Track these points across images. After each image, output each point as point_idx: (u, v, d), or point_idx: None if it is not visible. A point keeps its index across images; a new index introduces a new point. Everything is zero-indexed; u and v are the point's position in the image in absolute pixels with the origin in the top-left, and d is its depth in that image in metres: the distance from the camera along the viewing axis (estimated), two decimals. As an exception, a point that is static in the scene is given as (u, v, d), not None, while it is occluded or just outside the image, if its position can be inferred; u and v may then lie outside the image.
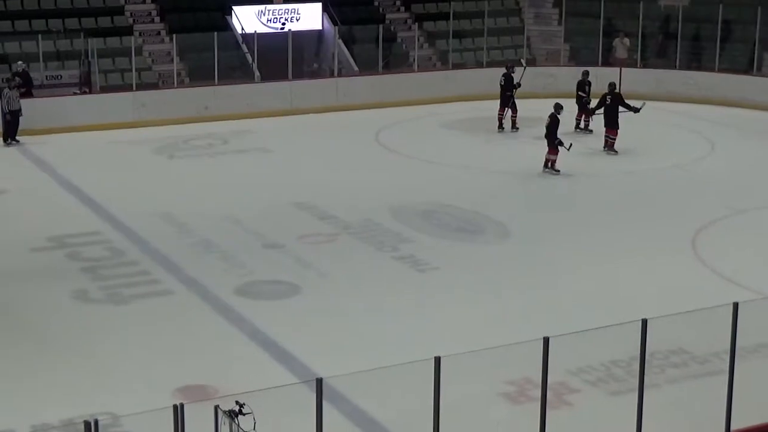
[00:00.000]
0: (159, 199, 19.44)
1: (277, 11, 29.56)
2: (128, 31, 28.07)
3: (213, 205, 19.09)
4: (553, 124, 21.10)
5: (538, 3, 32.88)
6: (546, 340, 8.84)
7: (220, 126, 25.47)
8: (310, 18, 30.03)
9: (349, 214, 18.40)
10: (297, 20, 29.69)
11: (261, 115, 26.45)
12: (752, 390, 10.87)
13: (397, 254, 16.46)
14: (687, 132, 25.48)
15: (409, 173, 21.69)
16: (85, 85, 26.39)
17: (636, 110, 23.18)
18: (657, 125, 25.04)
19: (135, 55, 26.25)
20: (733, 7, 29.42)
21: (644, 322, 9.25)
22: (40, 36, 26.18)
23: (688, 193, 20.16)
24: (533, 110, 25.12)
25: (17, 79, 24.40)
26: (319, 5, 30.15)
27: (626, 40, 29.89)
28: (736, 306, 9.59)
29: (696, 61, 30.03)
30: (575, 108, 24.80)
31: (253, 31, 27.98)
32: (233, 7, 29.13)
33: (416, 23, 31.00)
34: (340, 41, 29.40)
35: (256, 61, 27.62)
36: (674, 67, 29.37)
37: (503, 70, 25.53)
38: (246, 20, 28.99)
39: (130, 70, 26.23)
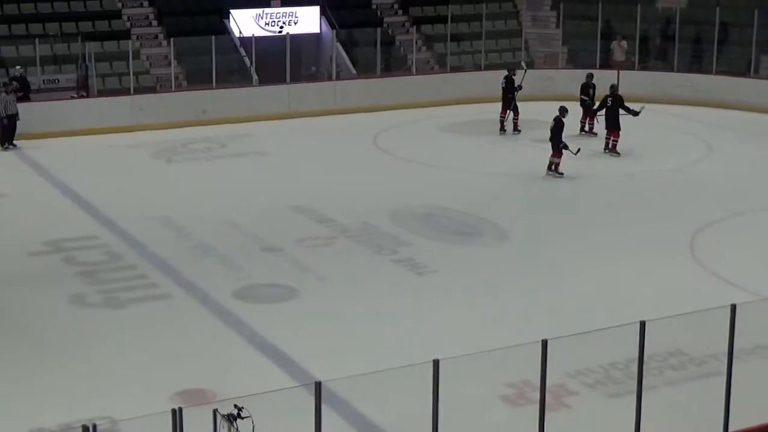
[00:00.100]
0: (157, 203, 19.42)
1: (275, 15, 29.56)
2: (126, 34, 28.07)
3: (211, 208, 19.08)
4: (557, 127, 21.12)
5: (535, 6, 32.88)
6: (544, 343, 8.84)
7: (218, 129, 25.46)
8: (308, 21, 30.04)
9: (347, 218, 18.39)
10: (295, 23, 29.69)
11: (259, 118, 26.43)
12: (750, 391, 10.87)
13: (396, 257, 16.46)
14: (684, 134, 25.49)
15: (407, 176, 21.69)
16: (82, 89, 26.38)
17: (635, 113, 23.21)
18: (654, 128, 25.05)
19: (132, 59, 26.21)
20: (730, 9, 29.47)
21: (642, 324, 9.25)
22: (37, 40, 26.15)
23: (685, 196, 20.17)
24: (532, 113, 25.21)
25: (14, 83, 24.39)
26: (317, 8, 30.15)
27: (624, 43, 29.89)
28: (733, 308, 9.60)
29: (693, 63, 30.05)
30: (580, 111, 24.81)
31: (251, 35, 27.96)
32: (231, 11, 29.13)
33: (414, 26, 31.01)
34: (338, 44, 29.41)
35: (254, 64, 27.60)
36: (672, 70, 29.38)
37: (502, 73, 25.57)
38: (244, 24, 28.99)
39: (128, 74, 26.20)
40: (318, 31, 30.24)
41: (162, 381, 11.93)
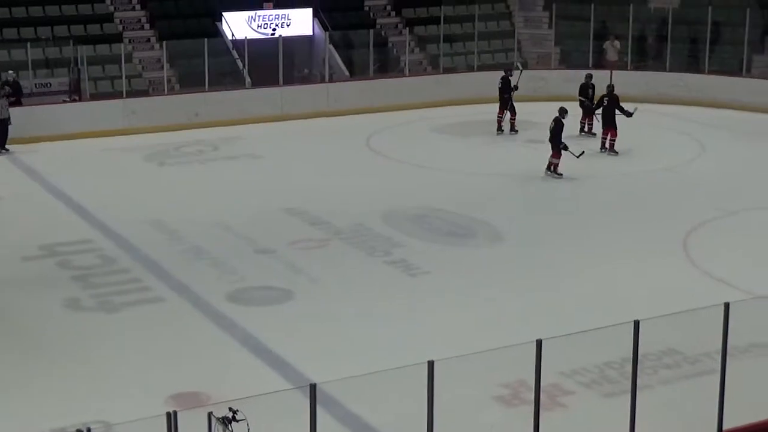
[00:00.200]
0: (150, 207, 19.40)
1: (267, 17, 29.55)
2: (118, 38, 28.02)
3: (204, 211, 19.06)
4: (557, 127, 21.12)
5: (528, 6, 32.92)
6: (539, 343, 8.85)
7: (211, 132, 25.43)
8: (301, 23, 30.03)
9: (340, 220, 18.38)
10: (287, 26, 29.68)
11: (252, 121, 26.41)
12: (744, 389, 10.89)
13: (389, 259, 16.46)
14: (677, 134, 25.53)
15: (400, 178, 21.69)
16: (74, 93, 26.33)
17: (629, 114, 23.30)
18: (648, 127, 25.08)
19: (125, 62, 26.18)
20: (722, 9, 29.54)
21: (636, 324, 9.26)
22: (29, 44, 26.13)
23: (678, 195, 20.20)
24: (525, 113, 25.26)
25: (7, 88, 24.35)
26: (310, 11, 30.14)
27: (617, 43, 29.94)
28: (727, 306, 9.62)
29: (686, 63, 30.09)
30: (579, 111, 24.82)
31: (244, 37, 27.94)
32: (223, 13, 29.13)
33: (407, 28, 31.00)
34: (331, 46, 29.40)
35: (246, 67, 27.59)
36: (665, 69, 29.43)
37: (496, 74, 25.63)
38: (236, 26, 28.97)
39: (120, 77, 26.17)
40: (311, 34, 30.24)
41: (156, 384, 11.91)
